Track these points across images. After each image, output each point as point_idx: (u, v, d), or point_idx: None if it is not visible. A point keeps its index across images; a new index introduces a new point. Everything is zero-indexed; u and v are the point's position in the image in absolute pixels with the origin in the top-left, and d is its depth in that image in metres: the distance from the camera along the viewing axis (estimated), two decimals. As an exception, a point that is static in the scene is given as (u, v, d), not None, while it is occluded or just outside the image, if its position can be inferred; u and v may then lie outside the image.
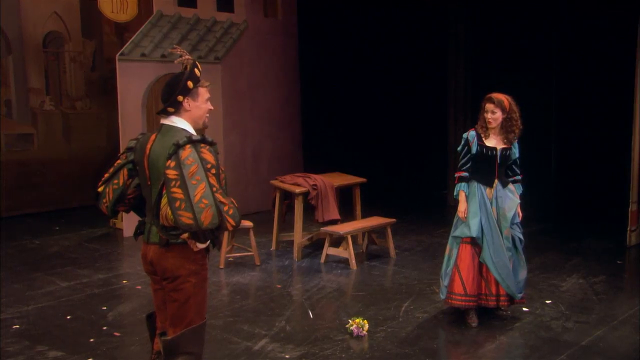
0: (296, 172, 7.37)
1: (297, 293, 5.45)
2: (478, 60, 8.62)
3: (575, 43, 8.07)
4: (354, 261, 6.08)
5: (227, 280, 5.80)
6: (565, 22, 8.08)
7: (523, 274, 4.59)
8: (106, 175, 3.03)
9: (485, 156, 4.43)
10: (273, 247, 6.81)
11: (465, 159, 4.48)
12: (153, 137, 2.91)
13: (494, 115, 4.38)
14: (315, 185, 6.46)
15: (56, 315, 4.91)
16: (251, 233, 6.20)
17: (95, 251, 6.83)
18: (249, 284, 5.71)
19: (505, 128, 4.41)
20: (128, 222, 7.22)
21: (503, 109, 4.38)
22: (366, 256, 6.54)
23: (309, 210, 6.64)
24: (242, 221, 6.12)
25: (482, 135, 4.44)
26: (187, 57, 2.89)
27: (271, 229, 6.92)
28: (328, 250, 6.26)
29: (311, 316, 4.83)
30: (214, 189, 2.64)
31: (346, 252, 6.13)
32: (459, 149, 4.54)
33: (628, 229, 6.62)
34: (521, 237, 4.59)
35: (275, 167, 8.69)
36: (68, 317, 4.86)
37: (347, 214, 6.96)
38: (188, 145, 2.70)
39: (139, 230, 3.02)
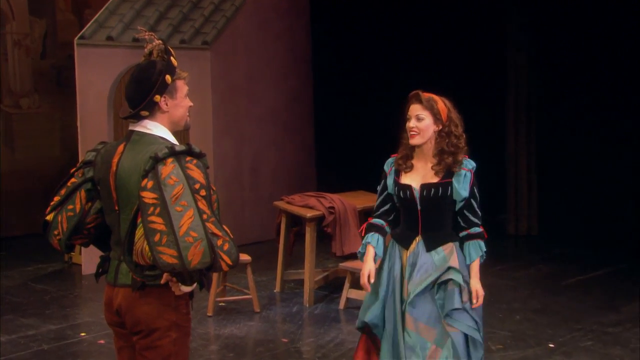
0: (307, 191, 7.36)
1: (309, 349, 5.42)
2: (545, 57, 8.64)
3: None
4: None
5: (217, 331, 5.79)
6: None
7: None
8: (57, 199, 3.01)
9: (401, 200, 3.70)
10: (277, 289, 6.79)
11: (381, 199, 3.79)
12: (121, 148, 2.90)
13: (419, 122, 3.64)
14: (332, 207, 6.45)
15: (-6, 378, 4.93)
16: (249, 270, 6.19)
17: (45, 294, 6.83)
18: (246, 337, 5.69)
19: (439, 147, 3.64)
20: (88, 256, 7.24)
21: (436, 115, 3.65)
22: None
23: (324, 240, 6.62)
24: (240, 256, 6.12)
25: (402, 167, 3.71)
26: (157, 42, 2.90)
27: (275, 264, 6.91)
28: (349, 292, 6.23)
29: (327, 381, 4.81)
30: (205, 216, 2.64)
31: (373, 296, 6.10)
32: (378, 187, 3.85)
33: None
34: (477, 336, 3.64)
35: (280, 184, 8.69)
36: (9, 381, 4.88)
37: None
38: (170, 159, 2.69)
39: (102, 269, 3.01)
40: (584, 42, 8.50)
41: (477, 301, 3.66)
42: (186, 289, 2.82)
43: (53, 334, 5.76)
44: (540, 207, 8.79)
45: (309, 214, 6.40)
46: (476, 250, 3.71)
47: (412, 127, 3.65)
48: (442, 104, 3.71)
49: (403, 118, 3.71)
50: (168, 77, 2.87)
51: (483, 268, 7.27)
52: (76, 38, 7.74)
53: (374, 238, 3.72)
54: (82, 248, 7.24)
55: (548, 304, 6.40)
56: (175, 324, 2.86)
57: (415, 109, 3.68)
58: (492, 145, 9.31)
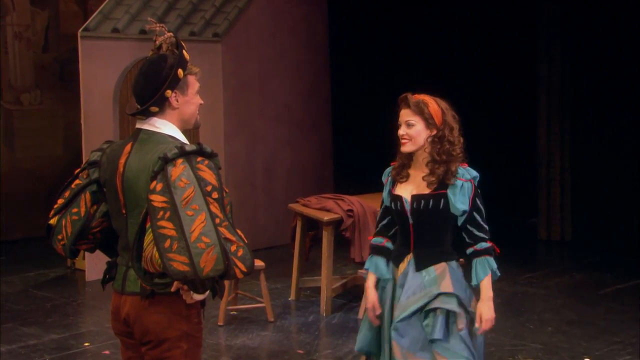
0: (324, 193, 7.37)
1: (326, 362, 5.44)
2: (580, 49, 8.60)
3: None
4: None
5: (228, 342, 5.81)
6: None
7: None
8: (60, 202, 3.04)
9: (394, 212, 3.64)
10: (292, 297, 6.81)
11: (380, 212, 3.77)
12: (128, 147, 2.93)
13: (410, 129, 3.54)
14: (351, 210, 6.45)
15: (-7, 390, 4.97)
16: (262, 277, 6.21)
17: (46, 301, 6.88)
18: (259, 348, 5.71)
19: (433, 155, 3.54)
20: (92, 261, 7.29)
21: (427, 120, 3.54)
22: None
23: (342, 245, 6.62)
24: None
25: (397, 177, 3.64)
26: (167, 34, 2.93)
27: (289, 271, 6.92)
28: (369, 302, 6.24)
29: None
30: (217, 220, 2.65)
31: (394, 305, 6.09)
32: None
33: None
34: None
35: (295, 186, 8.70)
36: (10, 393, 4.92)
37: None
38: (180, 160, 2.71)
39: (109, 276, 3.03)
40: (621, 36, 8.45)
41: (480, 326, 3.48)
42: (198, 297, 2.84)
43: (55, 343, 5.80)
44: (574, 210, 8.75)
45: (326, 217, 6.40)
46: (484, 268, 3.54)
47: (402, 135, 3.56)
48: (434, 106, 3.58)
49: (396, 124, 3.65)
50: (180, 71, 2.89)
51: (512, 276, 7.38)
52: (80, 30, 7.77)
53: (372, 263, 3.66)
54: (86, 253, 7.31)
55: (583, 314, 6.37)
56: (186, 334, 2.87)
57: (404, 115, 3.58)
58: (523, 144, 9.30)
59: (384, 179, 3.71)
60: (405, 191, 3.58)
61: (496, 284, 7.47)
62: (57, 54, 9.58)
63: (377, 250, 3.68)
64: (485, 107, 9.60)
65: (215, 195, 2.69)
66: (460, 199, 3.51)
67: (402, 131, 3.56)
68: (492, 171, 9.70)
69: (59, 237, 3.01)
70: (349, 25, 9.58)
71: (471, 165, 3.66)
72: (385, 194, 3.68)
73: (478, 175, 3.60)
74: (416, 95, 3.60)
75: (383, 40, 9.79)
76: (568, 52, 8.63)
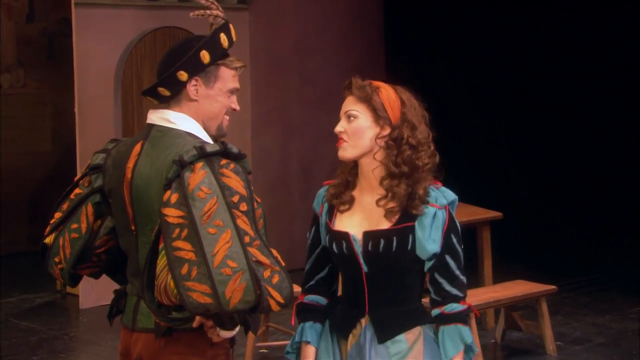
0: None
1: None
2: None
3: None
4: (480, 358, 6.04)
5: (257, 388, 5.87)
6: None
7: None
8: (58, 216, 3.05)
9: (339, 258, 3.10)
10: (336, 332, 6.84)
11: (313, 258, 3.21)
12: (137, 148, 2.93)
13: (350, 123, 3.05)
14: (412, 223, 6.45)
15: None
16: (299, 306, 6.23)
17: (32, 334, 6.91)
18: (295, 395, 5.75)
19: (388, 167, 3.03)
20: (88, 284, 7.33)
21: (376, 111, 3.04)
22: (502, 350, 6.48)
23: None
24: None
25: (336, 201, 3.13)
26: (217, 11, 2.95)
27: (333, 299, 6.93)
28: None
29: None
30: (247, 238, 2.65)
31: (466, 342, 6.07)
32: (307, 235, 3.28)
33: None
34: None
35: (340, 190, 8.71)
36: None
37: (467, 273, 6.88)
38: (199, 164, 2.70)
39: (117, 308, 3.05)
40: None
41: None
42: (226, 334, 2.84)
43: (43, 387, 5.89)
44: None
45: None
46: (454, 341, 3.02)
47: (339, 132, 3.06)
48: (389, 93, 3.07)
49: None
50: (205, 54, 2.90)
51: (620, 308, 7.35)
52: (73, -4, 7.86)
53: (311, 332, 3.14)
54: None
55: None
56: (211, 379, 2.90)
57: (347, 104, 3.09)
58: (632, 135, 9.19)
59: (316, 207, 3.19)
60: (352, 224, 3.07)
61: (600, 319, 7.39)
62: (45, 25, 9.66)
63: (313, 314, 3.18)
64: (587, 86, 9.52)
65: (243, 207, 2.69)
66: (431, 235, 3.01)
67: (339, 127, 3.07)
68: (591, 172, 9.67)
69: (56, 259, 3.01)
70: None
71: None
72: (321, 229, 3.16)
73: (456, 198, 3.11)
74: (365, 81, 3.13)
75: (456, 7, 9.73)
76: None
